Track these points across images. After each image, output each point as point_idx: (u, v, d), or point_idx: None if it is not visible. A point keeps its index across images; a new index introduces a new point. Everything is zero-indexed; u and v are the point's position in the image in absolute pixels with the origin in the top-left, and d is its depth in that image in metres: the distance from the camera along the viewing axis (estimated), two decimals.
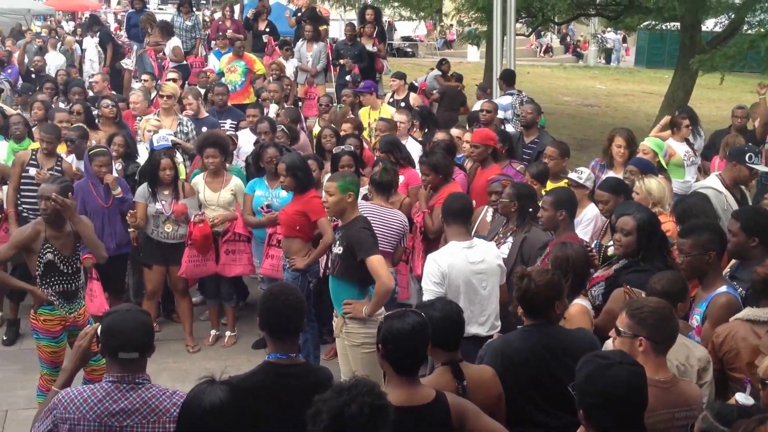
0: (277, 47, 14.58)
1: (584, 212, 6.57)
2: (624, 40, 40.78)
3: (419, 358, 3.62)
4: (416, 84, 13.82)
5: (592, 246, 5.50)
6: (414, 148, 8.51)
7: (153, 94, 10.39)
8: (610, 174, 7.29)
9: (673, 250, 5.13)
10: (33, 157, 7.79)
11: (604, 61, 38.83)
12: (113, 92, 11.66)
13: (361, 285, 5.59)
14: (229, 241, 7.52)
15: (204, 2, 41.90)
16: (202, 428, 3.21)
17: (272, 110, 10.14)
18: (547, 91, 24.07)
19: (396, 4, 22.10)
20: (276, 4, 18.13)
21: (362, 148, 8.14)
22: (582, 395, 3.16)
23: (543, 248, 5.61)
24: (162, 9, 30.73)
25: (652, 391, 3.23)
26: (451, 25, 31.15)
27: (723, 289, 4.64)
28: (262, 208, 7.39)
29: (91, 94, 10.89)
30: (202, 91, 10.87)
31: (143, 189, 7.45)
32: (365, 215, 5.80)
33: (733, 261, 5.21)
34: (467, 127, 9.14)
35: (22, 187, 7.76)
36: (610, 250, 5.56)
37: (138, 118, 9.41)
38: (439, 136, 8.46)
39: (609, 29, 36.11)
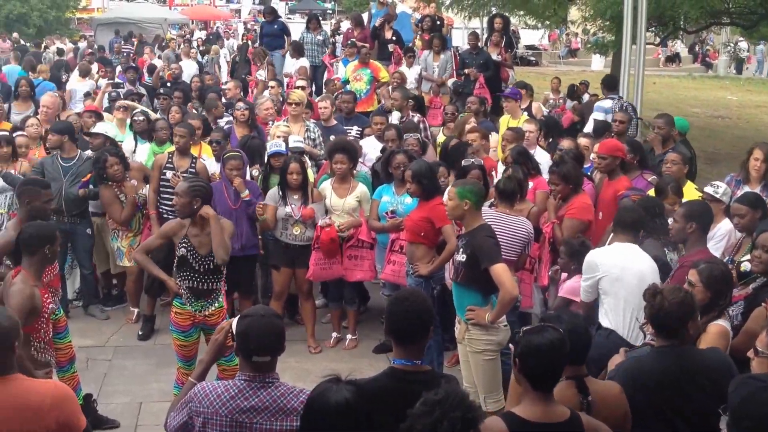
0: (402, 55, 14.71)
1: (718, 227, 6.37)
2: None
3: (557, 374, 3.56)
4: None
5: (725, 262, 5.34)
6: (542, 158, 8.43)
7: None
8: (746, 189, 7.03)
9: None
10: (169, 159, 8.14)
11: (735, 71, 37.34)
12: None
13: (484, 292, 5.59)
14: (353, 246, 7.64)
15: (330, 12, 42.74)
16: (326, 426, 3.26)
17: (394, 117, 10.22)
18: (674, 102, 23.33)
19: (521, 12, 21.93)
20: (402, 12, 18.29)
21: None
22: (737, 418, 3.07)
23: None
24: (290, 18, 31.49)
25: None
26: (576, 34, 30.68)
27: None
28: (386, 213, 7.48)
29: (223, 100, 11.27)
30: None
31: (274, 192, 7.67)
32: (490, 223, 5.78)
33: None
34: (595, 137, 8.96)
35: (161, 189, 8.14)
36: (743, 266, 5.40)
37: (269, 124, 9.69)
38: (565, 144, 8.34)
39: (742, 39, 34.70)
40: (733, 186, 7.34)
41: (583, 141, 8.58)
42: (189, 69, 16.55)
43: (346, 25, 20.58)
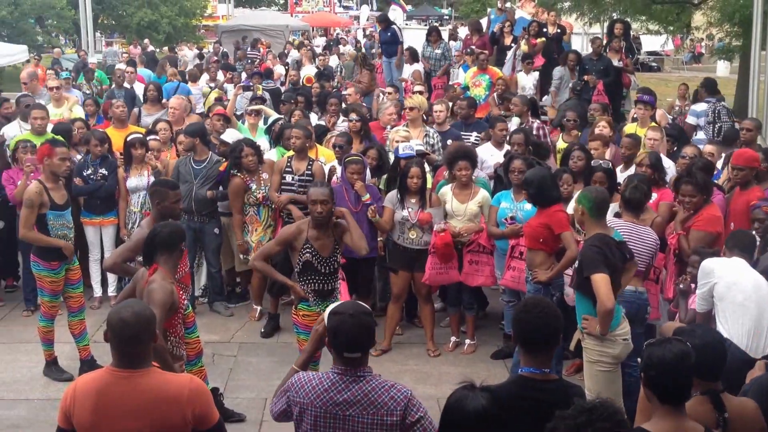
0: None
1: None
2: None
3: (684, 388, 3.49)
4: None
5: None
6: (667, 166, 8.22)
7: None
8: None
9: None
10: (288, 163, 8.36)
11: None
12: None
13: (594, 301, 5.49)
14: (473, 251, 7.66)
15: (447, 18, 42.82)
16: None
17: (514, 123, 10.18)
18: None
19: (643, 18, 21.42)
20: (520, 18, 18.17)
21: None
22: None
23: None
24: (407, 24, 31.72)
25: None
26: (701, 39, 29.70)
27: None
28: (505, 219, 7.47)
29: (343, 106, 11.48)
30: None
31: (392, 195, 7.77)
32: (621, 232, 5.70)
33: None
34: (723, 145, 8.70)
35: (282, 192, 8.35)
36: None
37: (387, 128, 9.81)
38: (688, 151, 8.13)
39: None
40: None
41: (708, 148, 8.33)
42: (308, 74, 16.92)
43: (463, 31, 20.57)
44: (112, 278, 9.03)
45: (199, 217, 8.53)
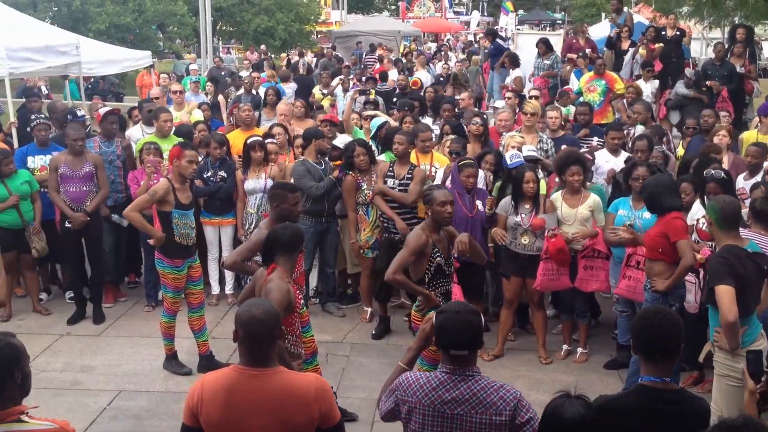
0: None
1: None
2: None
3: None
4: None
5: None
6: None
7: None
8: None
9: None
10: (391, 168, 8.39)
11: None
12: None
13: None
14: (588, 257, 7.54)
15: (560, 22, 42.25)
16: None
17: (638, 131, 9.95)
18: None
19: (766, 22, 20.63)
20: (638, 23, 17.80)
21: None
22: None
23: None
24: (519, 30, 31.46)
25: None
26: None
27: None
28: (623, 227, 7.30)
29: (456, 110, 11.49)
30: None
31: (506, 202, 7.73)
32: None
33: None
34: None
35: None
36: None
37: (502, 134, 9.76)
38: None
39: None
40: None
41: None
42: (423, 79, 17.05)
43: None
44: (229, 276, 9.30)
45: (327, 218, 8.72)
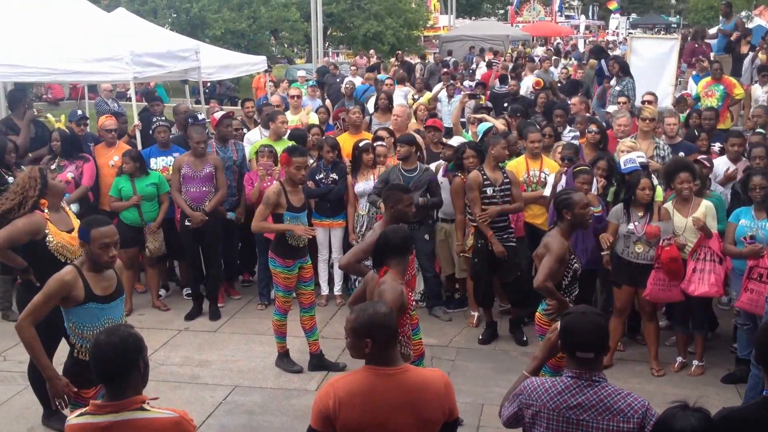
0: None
1: None
2: None
3: None
4: None
5: None
6: None
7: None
8: None
9: None
10: (484, 176, 8.16)
11: None
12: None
13: None
14: (699, 259, 7.30)
15: (675, 26, 41.16)
16: None
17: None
18: None
19: None
20: (757, 26, 17.18)
21: None
22: None
23: None
24: (631, 33, 30.79)
25: None
26: None
27: None
28: (744, 238, 7.06)
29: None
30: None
31: (617, 210, 7.59)
32: None
33: None
34: None
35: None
36: None
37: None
38: None
39: None
40: None
41: None
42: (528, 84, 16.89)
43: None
44: (338, 278, 9.45)
45: (410, 226, 8.69)
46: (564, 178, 8.18)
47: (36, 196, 6.16)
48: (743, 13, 17.29)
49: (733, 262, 7.27)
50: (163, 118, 10.53)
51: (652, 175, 8.12)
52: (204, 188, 8.76)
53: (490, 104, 13.17)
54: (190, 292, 9.35)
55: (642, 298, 7.54)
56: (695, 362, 7.56)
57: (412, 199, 6.64)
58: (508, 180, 8.19)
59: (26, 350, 5.10)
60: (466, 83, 17.44)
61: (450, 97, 14.73)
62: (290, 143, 8.83)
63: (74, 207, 8.67)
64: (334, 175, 9.17)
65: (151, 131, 9.97)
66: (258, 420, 6.73)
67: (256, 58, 16.21)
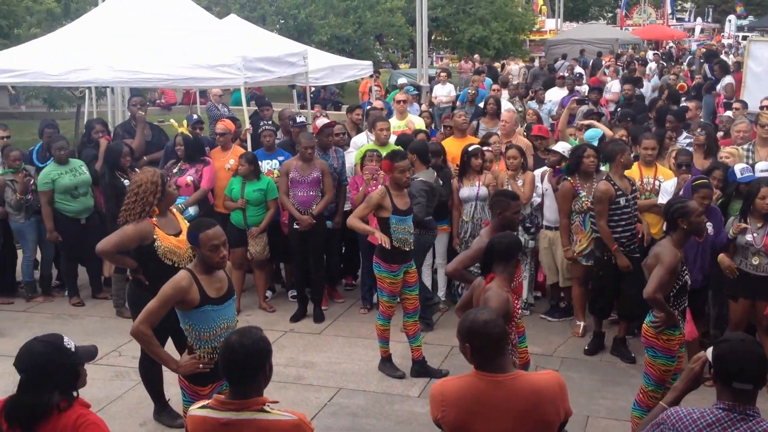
0: None
1: None
2: None
3: None
4: None
5: None
6: None
7: None
8: None
9: None
10: (616, 188, 7.97)
11: None
12: None
13: None
14: None
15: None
16: None
17: None
18: None
19: None
20: None
21: None
22: None
23: None
24: (749, 36, 29.65)
25: None
26: None
27: None
28: None
29: None
30: None
31: (732, 221, 7.32)
32: None
33: None
34: None
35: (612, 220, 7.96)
36: None
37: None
38: None
39: None
40: None
41: None
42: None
43: None
44: (441, 284, 9.42)
45: (419, 231, 8.60)
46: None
47: (155, 202, 6.31)
48: None
49: None
50: (270, 122, 10.73)
51: None
52: (311, 192, 8.88)
53: (603, 110, 12.89)
54: (295, 294, 9.50)
55: (760, 313, 7.25)
56: None
57: (519, 206, 6.56)
58: (635, 188, 8.02)
59: (146, 351, 5.26)
60: (584, 87, 17.20)
61: (540, 103, 14.55)
62: (397, 148, 8.85)
63: (192, 209, 8.96)
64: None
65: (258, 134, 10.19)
66: (362, 423, 6.77)
67: (362, 63, 16.37)
